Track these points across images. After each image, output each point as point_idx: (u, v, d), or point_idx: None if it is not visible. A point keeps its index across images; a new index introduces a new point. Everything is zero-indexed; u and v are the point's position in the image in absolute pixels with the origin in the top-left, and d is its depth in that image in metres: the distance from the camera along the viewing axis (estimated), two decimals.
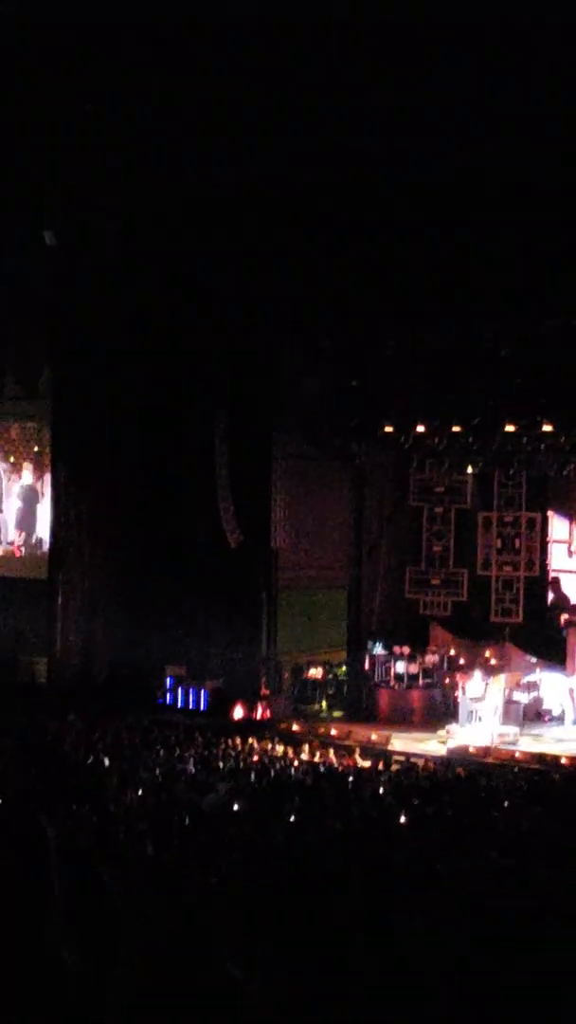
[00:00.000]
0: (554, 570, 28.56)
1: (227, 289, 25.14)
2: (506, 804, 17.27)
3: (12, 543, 30.46)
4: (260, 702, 26.78)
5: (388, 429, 26.62)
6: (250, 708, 26.58)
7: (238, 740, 23.16)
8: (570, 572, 28.31)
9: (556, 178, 19.89)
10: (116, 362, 27.13)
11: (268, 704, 26.88)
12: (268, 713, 26.64)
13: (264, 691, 27.19)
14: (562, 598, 28.33)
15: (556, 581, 28.61)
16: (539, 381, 23.55)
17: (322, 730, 25.68)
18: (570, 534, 28.37)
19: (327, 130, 20.56)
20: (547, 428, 24.87)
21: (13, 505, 30.50)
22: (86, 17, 18.69)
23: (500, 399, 24.60)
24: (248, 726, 25.47)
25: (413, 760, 22.70)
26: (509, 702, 25.65)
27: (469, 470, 28.70)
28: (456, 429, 26.26)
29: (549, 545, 28.62)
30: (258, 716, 26.51)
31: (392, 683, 27.74)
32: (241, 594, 27.42)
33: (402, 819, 14.68)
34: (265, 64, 19.38)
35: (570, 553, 28.30)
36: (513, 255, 20.91)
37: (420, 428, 26.31)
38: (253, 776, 18.32)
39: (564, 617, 27.58)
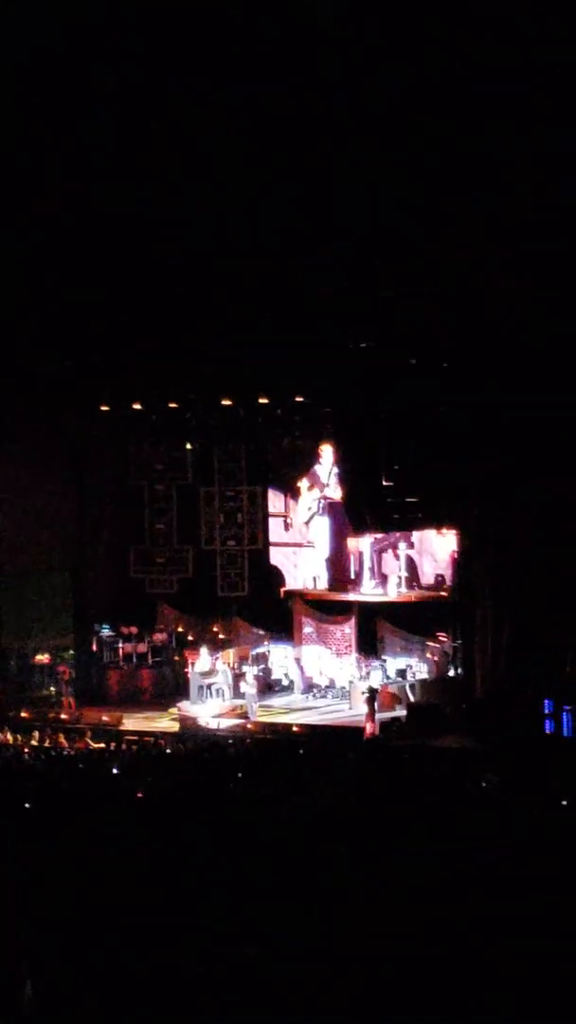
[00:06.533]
0: (272, 544, 28.80)
1: None
2: (240, 775, 17.37)
3: None
4: None
5: (104, 408, 26.34)
6: None
7: None
8: (287, 545, 28.63)
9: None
10: None
11: None
12: None
13: None
14: (278, 572, 28.62)
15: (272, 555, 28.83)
16: (256, 354, 23.60)
17: (52, 715, 25.30)
18: (285, 507, 28.68)
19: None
20: (263, 400, 25.08)
21: None
22: None
23: (216, 374, 24.58)
24: None
25: (145, 739, 22.62)
26: (238, 675, 25.85)
27: (188, 446, 28.65)
28: (173, 405, 26.21)
29: (267, 519, 28.85)
30: None
31: (121, 664, 27.58)
32: None
33: (139, 795, 14.58)
34: None
35: (286, 527, 28.62)
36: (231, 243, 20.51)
37: (136, 406, 26.14)
38: None
39: (283, 590, 27.92)
